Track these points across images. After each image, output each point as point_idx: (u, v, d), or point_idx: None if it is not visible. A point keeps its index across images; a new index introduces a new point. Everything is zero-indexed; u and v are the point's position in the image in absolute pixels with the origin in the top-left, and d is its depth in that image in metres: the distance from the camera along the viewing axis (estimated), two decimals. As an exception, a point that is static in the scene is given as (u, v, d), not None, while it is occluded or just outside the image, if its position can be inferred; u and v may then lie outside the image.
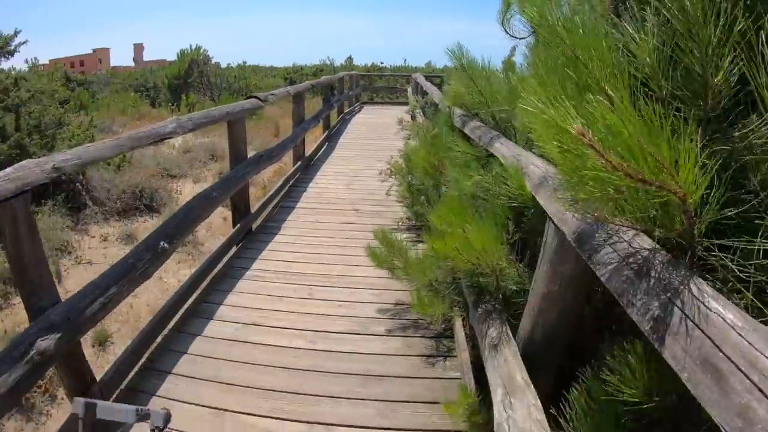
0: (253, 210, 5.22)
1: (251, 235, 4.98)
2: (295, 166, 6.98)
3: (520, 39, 3.75)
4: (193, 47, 22.21)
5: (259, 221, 5.34)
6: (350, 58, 32.86)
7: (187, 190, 8.83)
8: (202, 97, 22.61)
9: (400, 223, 5.01)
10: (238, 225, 4.72)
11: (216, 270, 4.18)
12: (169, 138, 3.33)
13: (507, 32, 3.57)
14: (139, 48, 74.35)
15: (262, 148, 12.09)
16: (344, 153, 8.70)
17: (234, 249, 4.66)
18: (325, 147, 9.09)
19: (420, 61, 46.32)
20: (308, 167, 7.51)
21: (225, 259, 4.37)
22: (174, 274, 6.04)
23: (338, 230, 5.09)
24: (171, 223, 3.32)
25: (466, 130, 3.41)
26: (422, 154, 3.16)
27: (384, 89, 21.02)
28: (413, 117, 10.20)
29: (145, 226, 7.59)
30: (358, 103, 16.80)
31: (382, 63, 31.74)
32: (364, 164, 7.74)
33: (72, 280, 6.13)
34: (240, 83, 30.55)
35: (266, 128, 14.22)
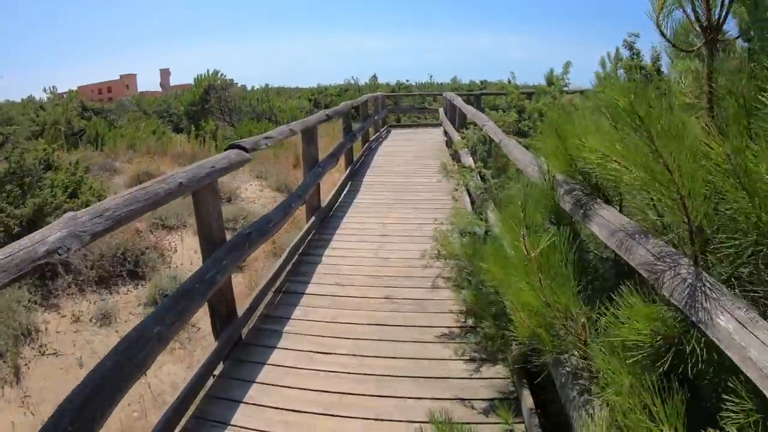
0: (248, 302, 3.71)
1: (239, 350, 3.42)
2: (309, 223, 5.41)
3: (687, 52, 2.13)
4: (211, 71, 21.06)
5: (254, 320, 3.78)
6: (374, 77, 31.60)
7: (184, 246, 7.36)
8: (221, 123, 21.43)
9: (461, 349, 3.37)
10: (218, 341, 3.18)
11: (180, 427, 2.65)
12: (47, 261, 1.79)
13: (666, 38, 1.96)
14: (165, 73, 74.86)
15: (278, 183, 10.61)
16: (371, 197, 7.10)
17: (219, 368, 3.15)
18: (347, 189, 7.50)
19: (445, 77, 44.96)
20: (326, 220, 5.94)
21: (194, 405, 2.83)
22: (155, 372, 4.58)
23: (364, 341, 3.46)
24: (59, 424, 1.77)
25: (595, 229, 1.78)
26: (527, 295, 1.55)
27: (412, 109, 19.44)
28: (452, 152, 8.61)
29: (127, 299, 6.17)
30: (384, 128, 15.17)
31: (407, 81, 30.33)
32: (396, 215, 6.12)
33: (33, 379, 4.80)
34: (263, 106, 29.75)
35: (285, 158, 12.79)
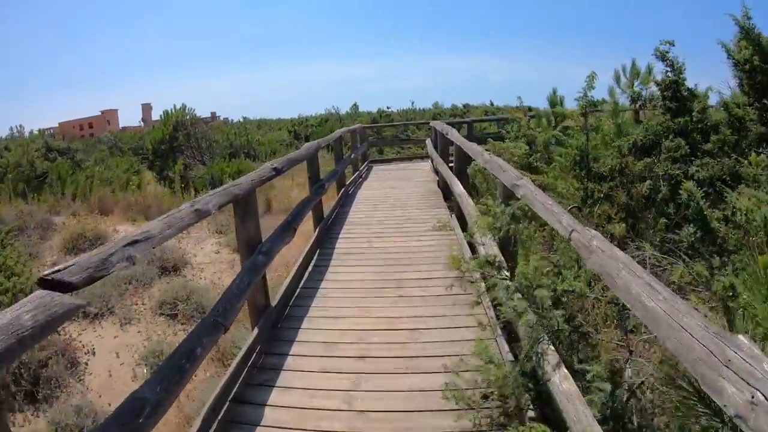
0: None
1: None
2: (252, 337, 3.54)
3: None
4: (179, 107, 19.21)
5: None
6: (356, 106, 30.11)
7: (105, 346, 5.45)
8: (193, 161, 19.51)
9: None
10: None
11: None
12: None
13: None
14: (147, 108, 73.18)
15: (231, 244, 8.39)
16: (345, 276, 5.05)
17: None
18: (314, 261, 5.52)
19: (426, 102, 43.91)
20: (278, 326, 3.98)
21: None
22: None
23: None
24: None
25: None
26: None
27: (395, 141, 17.65)
28: (451, 201, 6.81)
29: (21, 435, 4.33)
30: (365, 164, 13.08)
31: (389, 108, 28.81)
32: (381, 313, 4.13)
33: None
34: (241, 140, 28.06)
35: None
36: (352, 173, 10.90)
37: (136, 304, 6.24)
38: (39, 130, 30.83)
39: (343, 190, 8.98)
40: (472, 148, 5.13)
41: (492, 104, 44.62)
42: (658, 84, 6.44)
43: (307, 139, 29.23)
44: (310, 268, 5.23)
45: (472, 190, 6.40)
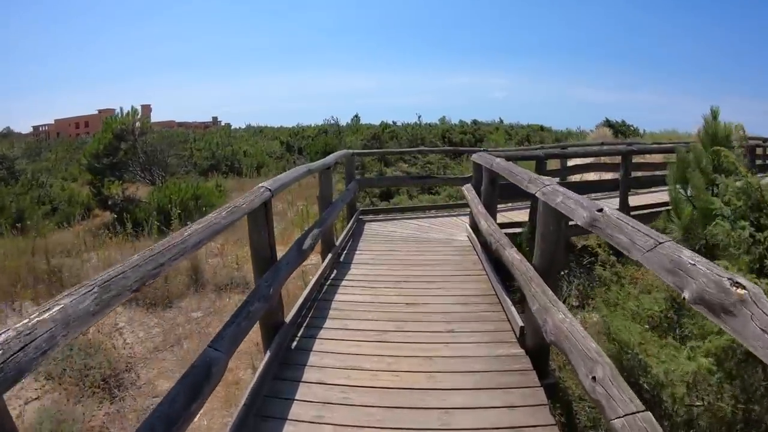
0: None
1: None
2: None
3: None
4: (126, 110, 14.29)
5: None
6: (357, 117, 25.35)
7: None
8: (143, 180, 14.67)
9: None
10: None
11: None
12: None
13: None
14: (146, 109, 68.64)
15: None
16: None
17: None
18: None
19: (432, 117, 39.35)
20: None
21: None
22: None
23: None
24: None
25: None
26: None
27: (405, 180, 11.82)
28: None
29: None
30: (352, 221, 7.26)
31: (393, 122, 23.95)
32: None
33: None
34: (224, 151, 23.46)
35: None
36: (322, 258, 5.39)
37: None
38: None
39: (277, 337, 3.24)
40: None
41: (502, 122, 39.64)
42: None
43: (300, 152, 24.43)
44: None
45: None
